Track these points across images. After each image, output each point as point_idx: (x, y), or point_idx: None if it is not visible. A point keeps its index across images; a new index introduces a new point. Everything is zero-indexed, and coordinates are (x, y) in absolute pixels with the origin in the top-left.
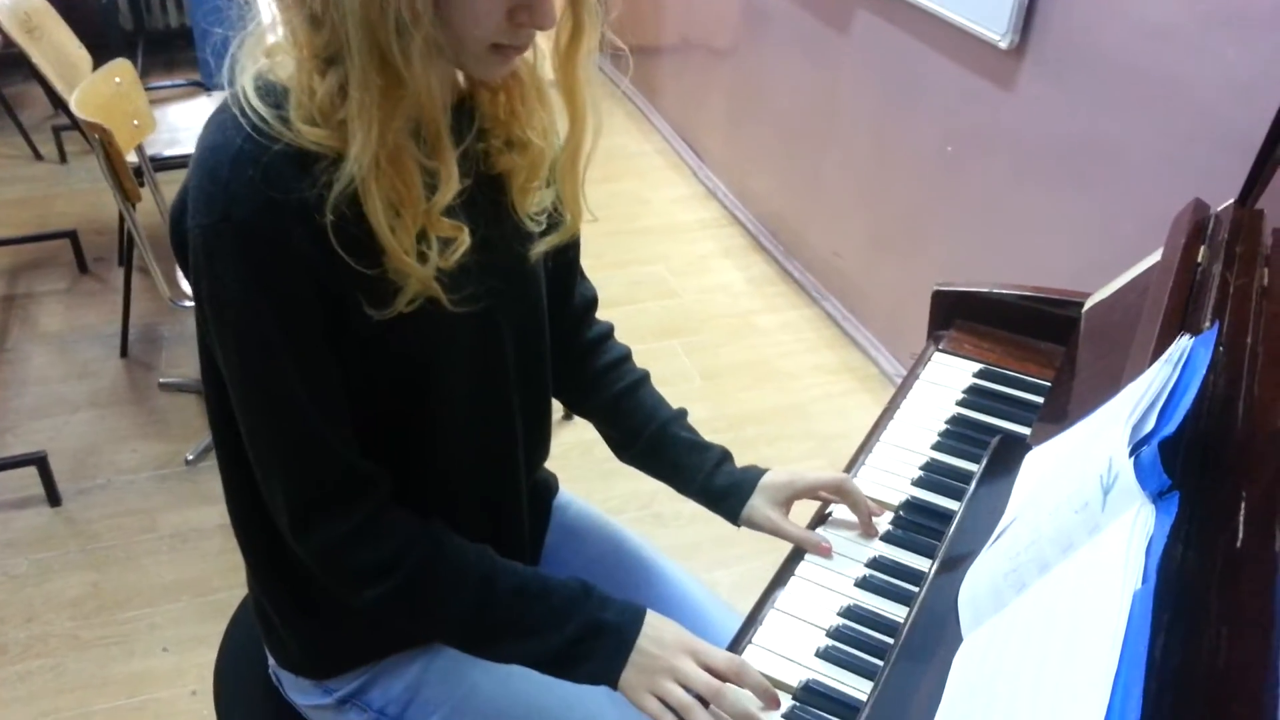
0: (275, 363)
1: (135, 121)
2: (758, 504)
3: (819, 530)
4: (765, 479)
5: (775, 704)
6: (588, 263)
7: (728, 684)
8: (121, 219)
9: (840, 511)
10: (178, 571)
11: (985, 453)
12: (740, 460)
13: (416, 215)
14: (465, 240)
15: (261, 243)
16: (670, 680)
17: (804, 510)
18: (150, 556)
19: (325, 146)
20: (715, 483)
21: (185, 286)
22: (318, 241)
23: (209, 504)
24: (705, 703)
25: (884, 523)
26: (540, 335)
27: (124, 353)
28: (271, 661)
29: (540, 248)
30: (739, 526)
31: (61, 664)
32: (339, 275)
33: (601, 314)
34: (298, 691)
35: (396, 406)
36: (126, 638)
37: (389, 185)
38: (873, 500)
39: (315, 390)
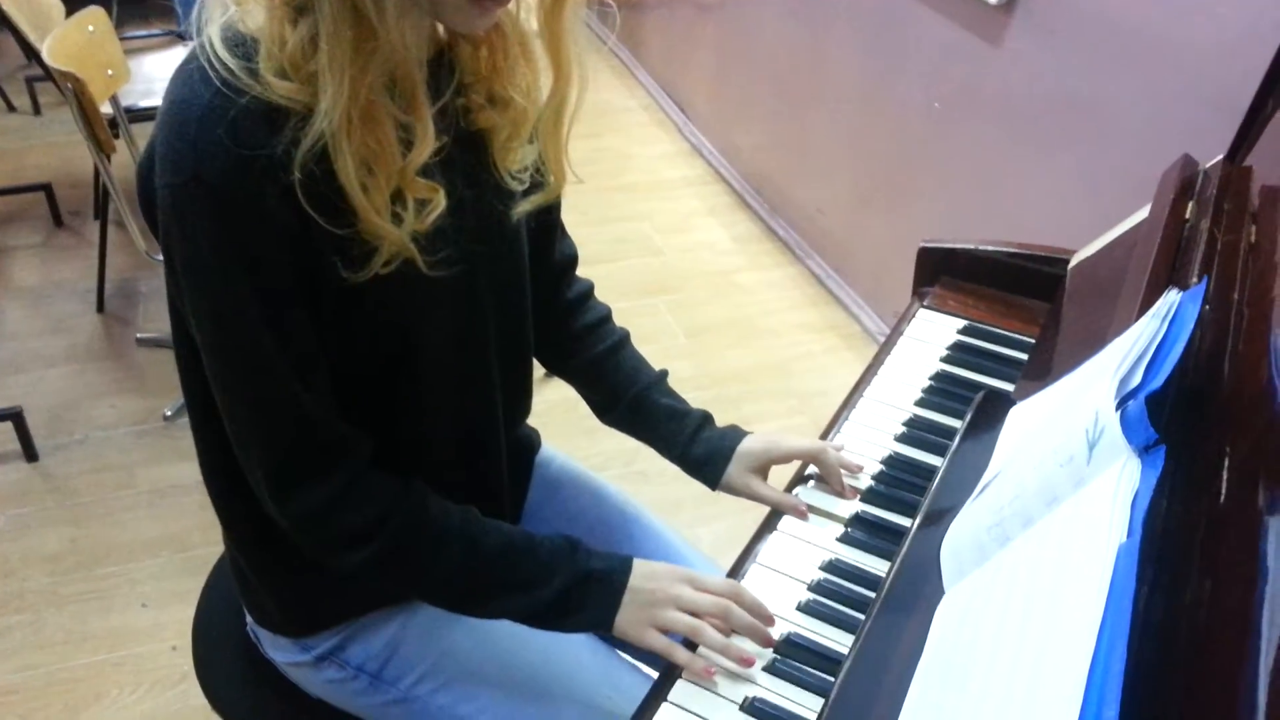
0: (250, 327)
1: (109, 71)
2: (735, 471)
3: (797, 490)
4: (742, 446)
5: (772, 622)
6: (570, 219)
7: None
8: (96, 172)
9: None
10: (157, 527)
11: (969, 409)
12: (722, 419)
13: (391, 174)
14: (441, 202)
15: (233, 204)
16: (672, 608)
17: (784, 470)
18: (129, 512)
19: (296, 101)
20: (693, 451)
21: None
22: (291, 201)
23: (188, 460)
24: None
25: (866, 478)
26: (521, 295)
27: (100, 308)
28: (249, 619)
29: (523, 208)
30: (716, 492)
31: (40, 619)
32: (313, 236)
33: (584, 271)
34: (276, 649)
35: (376, 367)
36: (106, 593)
37: (361, 142)
38: (851, 460)
39: (291, 354)
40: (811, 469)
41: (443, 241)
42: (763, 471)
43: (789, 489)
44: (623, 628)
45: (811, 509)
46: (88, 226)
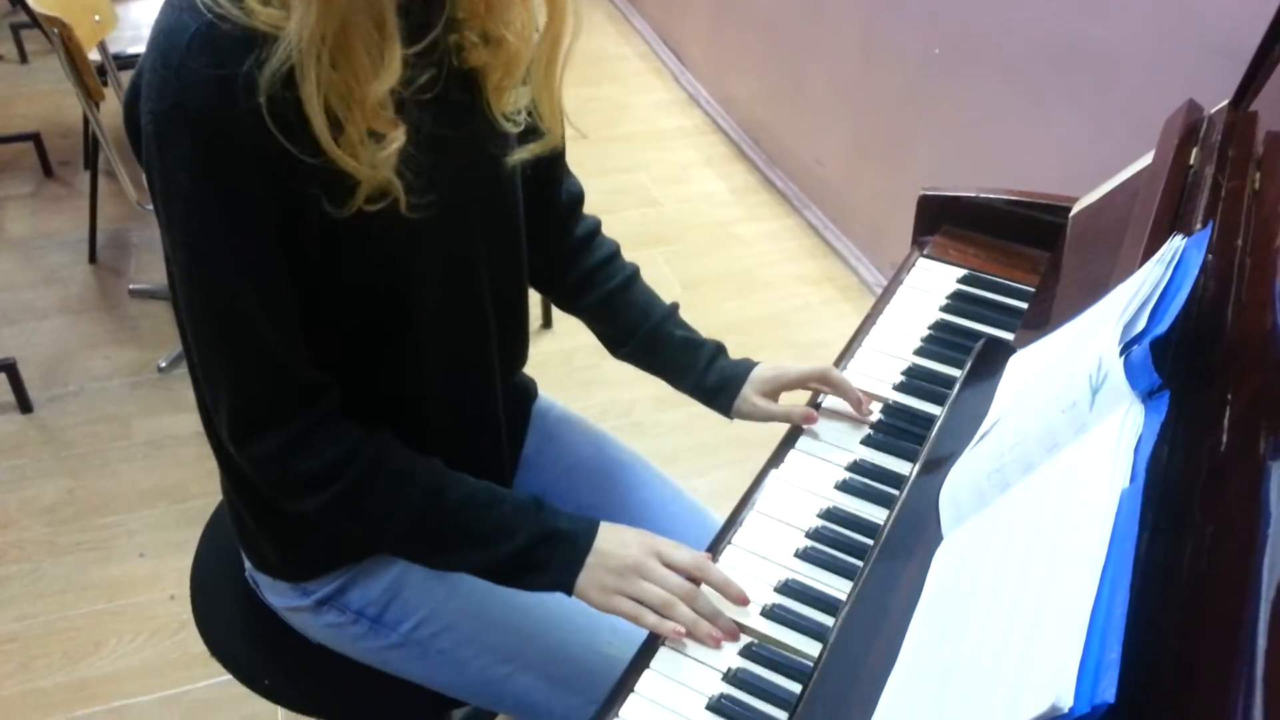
0: (223, 263)
1: (96, 17)
2: (748, 396)
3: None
4: (754, 374)
5: (742, 601)
6: None
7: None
8: (86, 121)
9: (829, 403)
10: (154, 478)
11: (968, 357)
12: None
13: (363, 106)
14: (400, 137)
15: (215, 134)
16: (639, 579)
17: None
18: (125, 463)
19: (278, 27)
20: (708, 380)
21: None
22: (266, 128)
23: (183, 411)
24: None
25: (864, 427)
26: (515, 238)
27: (92, 258)
28: (248, 565)
29: (520, 156)
30: (732, 419)
31: (39, 569)
32: (294, 169)
33: None
34: (275, 594)
35: (368, 311)
36: (103, 543)
37: (329, 70)
38: (860, 391)
39: (264, 295)
40: (820, 399)
41: (430, 183)
42: (773, 398)
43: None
44: (585, 590)
45: (812, 454)
46: (78, 176)
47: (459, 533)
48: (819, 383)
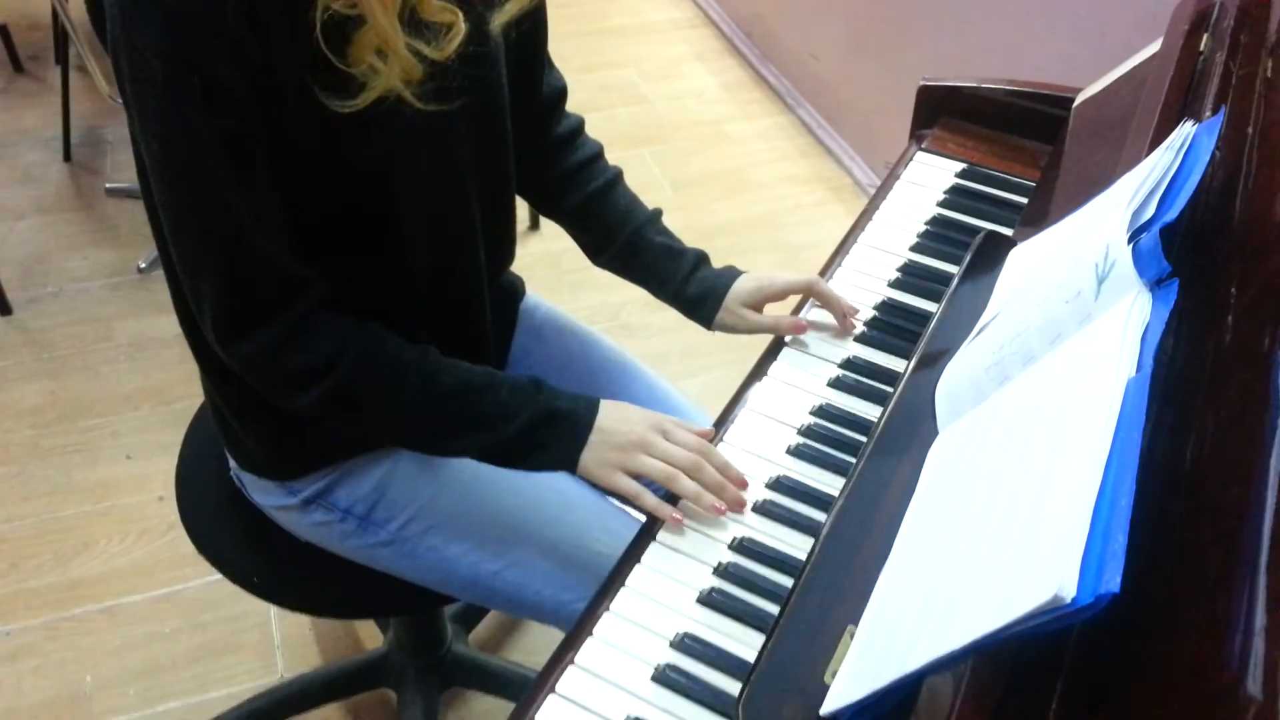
0: (200, 157)
1: None
2: (731, 308)
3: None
4: (737, 284)
5: (741, 485)
6: None
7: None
8: (55, 12)
9: (815, 314)
10: (138, 380)
11: (966, 253)
12: None
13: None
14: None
15: (185, 16)
16: (643, 454)
17: (779, 312)
18: (108, 365)
19: None
20: (689, 290)
21: None
22: (253, 19)
23: (166, 313)
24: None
25: (858, 323)
26: (502, 131)
27: (67, 157)
28: (233, 464)
29: (500, 19)
30: (713, 330)
31: (24, 471)
32: (279, 60)
33: None
34: (261, 493)
35: (352, 207)
36: (89, 445)
37: None
38: (847, 303)
39: (244, 186)
40: (805, 311)
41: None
42: (757, 309)
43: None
44: (589, 468)
45: (803, 357)
46: (49, 72)
47: (458, 417)
48: (805, 294)
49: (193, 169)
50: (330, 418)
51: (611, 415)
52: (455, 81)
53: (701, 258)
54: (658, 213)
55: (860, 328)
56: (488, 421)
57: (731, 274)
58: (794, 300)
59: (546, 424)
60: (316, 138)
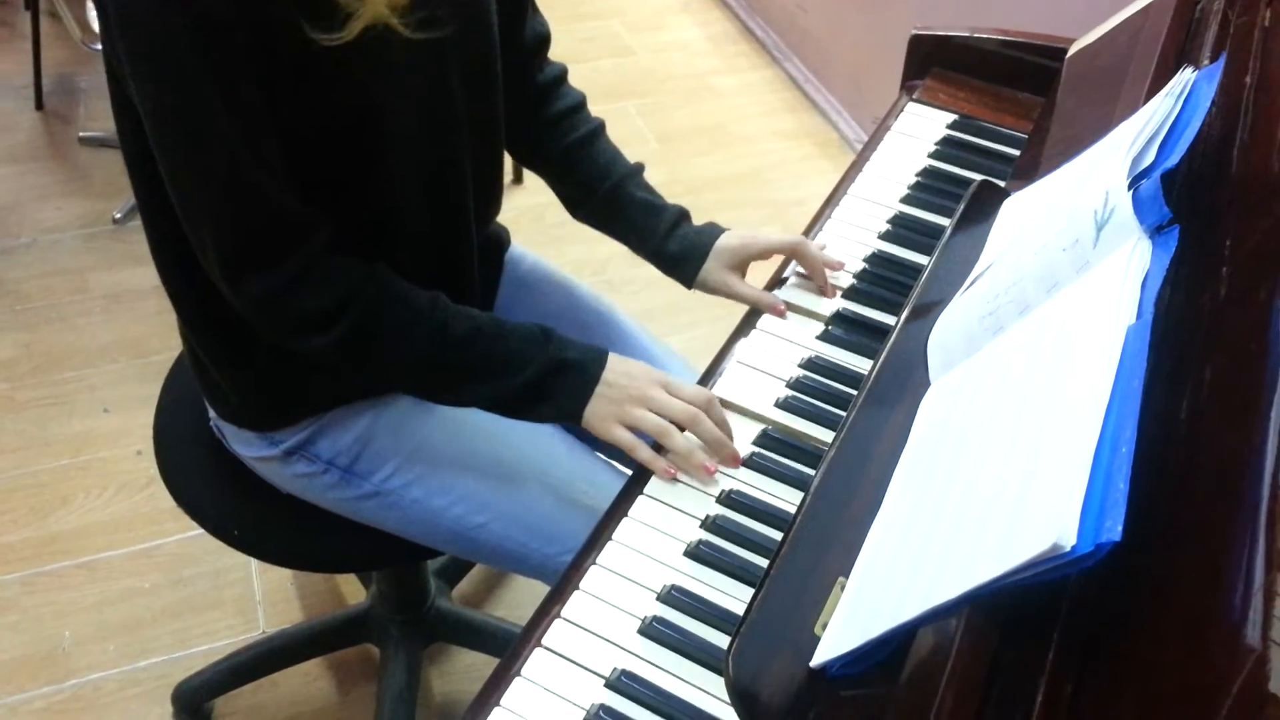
0: (195, 93)
1: None
2: (712, 268)
3: (776, 292)
4: (719, 243)
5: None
6: None
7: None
8: None
9: (800, 270)
10: (113, 333)
11: (958, 205)
12: None
13: None
14: None
15: None
16: (641, 408)
17: (763, 271)
18: (84, 318)
19: None
20: (669, 247)
21: (97, 28)
22: None
23: (141, 264)
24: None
25: (848, 277)
26: (491, 73)
27: (39, 105)
28: (212, 414)
29: None
30: (693, 290)
31: None
32: None
33: None
34: (242, 444)
35: (340, 146)
36: (65, 398)
37: None
38: (831, 258)
39: (241, 125)
40: (790, 269)
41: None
42: (740, 269)
43: (767, 289)
44: (590, 420)
45: (791, 307)
46: (19, 17)
47: (467, 367)
48: (788, 255)
49: (188, 111)
50: (338, 364)
51: (617, 369)
52: (443, 9)
53: (682, 214)
54: (639, 167)
55: (850, 280)
56: (496, 370)
57: (713, 232)
58: (779, 259)
59: (554, 375)
60: (307, 70)
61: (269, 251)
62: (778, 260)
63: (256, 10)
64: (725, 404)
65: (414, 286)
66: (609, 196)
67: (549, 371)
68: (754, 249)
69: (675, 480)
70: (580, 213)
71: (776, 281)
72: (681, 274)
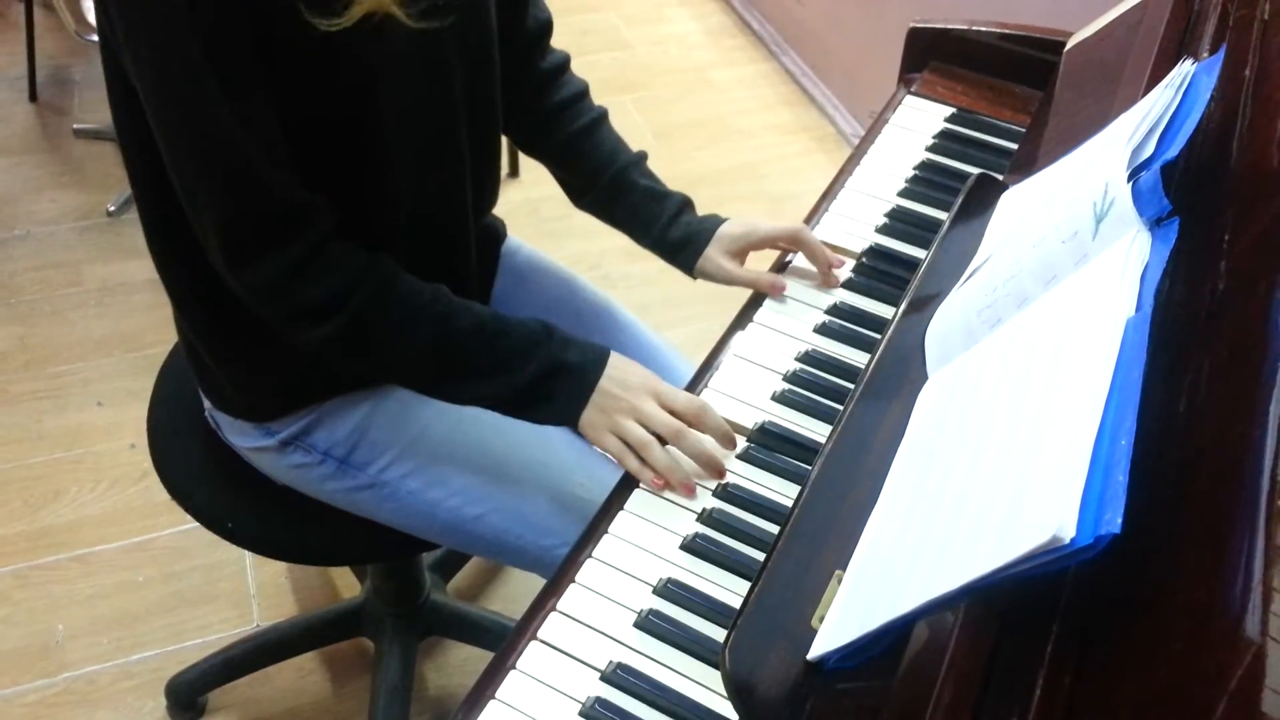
0: (198, 82)
1: None
2: (712, 255)
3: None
4: (721, 230)
5: (733, 446)
6: None
7: (688, 427)
8: None
9: (800, 260)
10: (108, 326)
11: (956, 198)
12: None
13: None
14: None
15: None
16: (631, 419)
17: (762, 261)
18: (78, 310)
19: None
20: (671, 234)
21: (92, 18)
22: None
23: (136, 257)
24: (664, 442)
25: (846, 270)
26: (490, 63)
27: (33, 96)
28: (207, 404)
29: None
30: (694, 278)
31: None
32: None
33: None
34: (236, 434)
35: (338, 135)
36: (58, 392)
37: None
38: (831, 248)
39: (244, 111)
40: (789, 258)
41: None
42: (741, 257)
43: None
44: (584, 428)
45: (789, 297)
46: (12, 8)
47: (468, 363)
48: (789, 243)
49: (191, 99)
50: (338, 355)
51: (614, 376)
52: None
53: (686, 203)
54: (642, 155)
55: (847, 273)
56: (496, 369)
57: (715, 220)
58: (776, 254)
59: (553, 377)
60: (306, 56)
61: (273, 238)
62: (776, 255)
63: None
64: (723, 396)
65: (416, 279)
66: (612, 184)
67: (548, 373)
68: (755, 236)
69: (664, 489)
70: (583, 201)
71: (779, 268)
72: (683, 260)
